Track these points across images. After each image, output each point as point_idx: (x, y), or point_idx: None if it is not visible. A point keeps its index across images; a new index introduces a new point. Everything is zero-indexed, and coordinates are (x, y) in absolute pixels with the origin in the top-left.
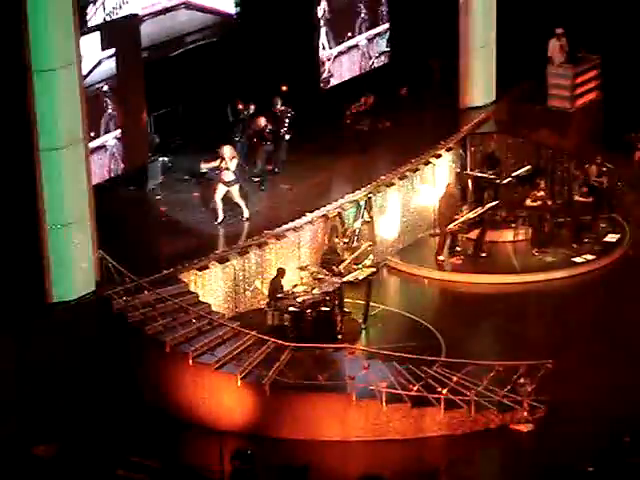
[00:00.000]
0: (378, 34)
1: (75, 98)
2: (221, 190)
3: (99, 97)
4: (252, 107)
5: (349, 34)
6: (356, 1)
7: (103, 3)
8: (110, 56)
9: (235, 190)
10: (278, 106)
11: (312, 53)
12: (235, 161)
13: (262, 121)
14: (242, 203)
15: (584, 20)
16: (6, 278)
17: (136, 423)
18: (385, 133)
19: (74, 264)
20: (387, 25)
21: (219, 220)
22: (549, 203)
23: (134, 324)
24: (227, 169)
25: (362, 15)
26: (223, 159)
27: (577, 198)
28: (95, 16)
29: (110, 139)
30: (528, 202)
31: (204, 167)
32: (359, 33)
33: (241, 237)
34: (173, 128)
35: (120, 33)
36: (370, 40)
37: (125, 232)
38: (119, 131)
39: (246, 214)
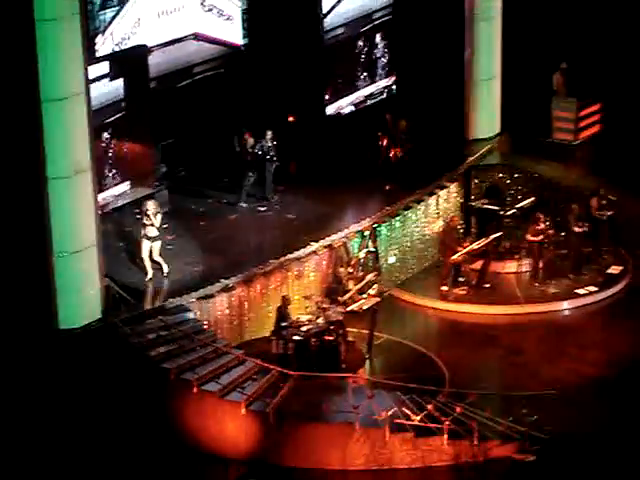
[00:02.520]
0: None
1: (83, 127)
2: (146, 246)
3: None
4: (250, 139)
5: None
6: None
7: (112, 33)
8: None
9: (157, 246)
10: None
11: (319, 83)
12: (159, 216)
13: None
14: (161, 260)
15: (588, 54)
16: (14, 305)
17: (142, 448)
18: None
19: (81, 292)
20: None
21: (149, 277)
22: (550, 234)
23: (139, 351)
24: (152, 225)
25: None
26: (147, 215)
27: (575, 229)
28: (104, 46)
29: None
30: (529, 236)
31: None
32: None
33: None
34: (180, 158)
35: (129, 63)
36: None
37: (131, 260)
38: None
39: (165, 270)
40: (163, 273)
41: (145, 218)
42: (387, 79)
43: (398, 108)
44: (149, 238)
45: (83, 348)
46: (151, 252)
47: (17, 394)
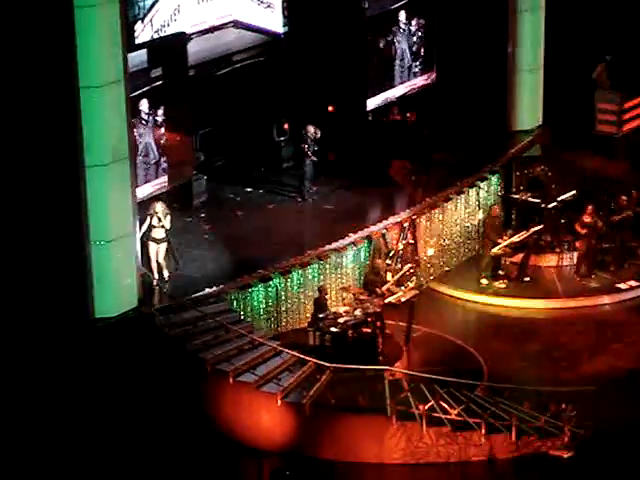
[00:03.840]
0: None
1: (121, 115)
2: (153, 248)
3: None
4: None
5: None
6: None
7: (151, 20)
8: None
9: (163, 248)
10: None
11: (360, 73)
12: (169, 217)
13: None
14: (164, 263)
15: (632, 47)
16: (50, 294)
17: (178, 439)
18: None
19: (117, 281)
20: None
21: (156, 279)
22: (599, 226)
23: (176, 342)
24: (162, 227)
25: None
26: (157, 217)
27: (615, 218)
28: (143, 33)
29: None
30: (577, 227)
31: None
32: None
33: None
34: (218, 146)
35: (167, 51)
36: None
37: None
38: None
39: (166, 274)
40: (162, 276)
41: (154, 220)
42: (427, 74)
43: (440, 99)
44: (156, 240)
45: (119, 337)
46: (157, 254)
47: (54, 383)
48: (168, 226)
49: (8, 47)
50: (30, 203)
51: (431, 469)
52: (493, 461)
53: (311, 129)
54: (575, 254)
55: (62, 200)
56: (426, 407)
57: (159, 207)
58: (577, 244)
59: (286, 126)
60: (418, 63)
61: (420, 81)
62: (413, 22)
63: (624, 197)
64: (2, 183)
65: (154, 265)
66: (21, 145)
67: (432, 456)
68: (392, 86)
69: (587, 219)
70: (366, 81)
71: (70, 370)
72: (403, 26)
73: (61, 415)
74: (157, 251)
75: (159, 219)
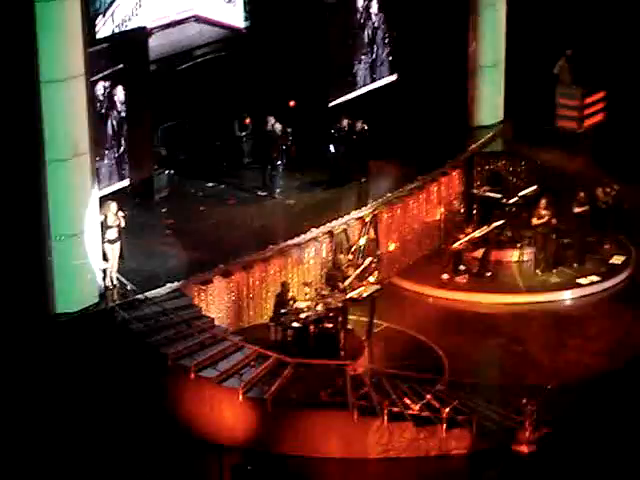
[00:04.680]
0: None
1: (82, 110)
2: (108, 248)
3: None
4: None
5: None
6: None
7: (112, 15)
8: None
9: (117, 248)
10: (271, 124)
11: (321, 67)
12: (121, 214)
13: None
14: (116, 263)
15: (593, 42)
16: (10, 289)
17: (139, 435)
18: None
19: (78, 276)
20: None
21: (114, 279)
22: (553, 223)
23: (137, 337)
24: (118, 226)
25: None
26: (108, 216)
27: (575, 209)
28: (104, 27)
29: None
30: (534, 221)
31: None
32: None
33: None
34: (179, 141)
35: (129, 45)
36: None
37: (130, 244)
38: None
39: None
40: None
41: (108, 220)
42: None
43: (402, 95)
44: (110, 241)
45: (80, 333)
46: (113, 253)
47: (13, 379)
48: (123, 224)
49: None
50: None
51: (393, 463)
52: (454, 456)
53: (277, 126)
54: (535, 249)
55: (23, 195)
56: (387, 402)
57: (113, 206)
58: (536, 239)
59: (247, 121)
60: (379, 58)
61: (382, 76)
62: (373, 16)
63: (582, 194)
64: None
65: (112, 263)
66: None
67: (394, 451)
68: (354, 82)
69: (542, 212)
70: (328, 75)
71: (31, 365)
72: (364, 19)
73: (20, 411)
74: (112, 250)
75: (113, 219)
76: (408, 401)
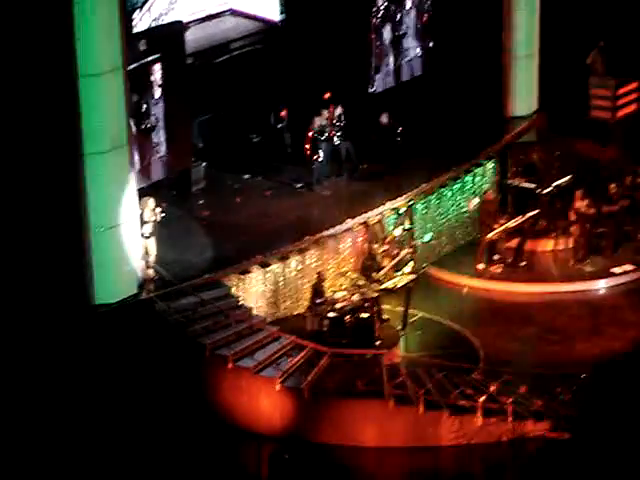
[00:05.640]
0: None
1: (120, 103)
2: (146, 243)
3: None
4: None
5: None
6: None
7: (149, 9)
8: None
9: (154, 242)
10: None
11: (360, 59)
12: (158, 209)
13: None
14: (153, 255)
15: (627, 33)
16: (50, 280)
17: (177, 424)
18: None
19: (117, 267)
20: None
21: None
22: (590, 213)
23: (175, 327)
24: (154, 221)
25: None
26: (146, 211)
27: (604, 209)
28: (141, 22)
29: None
30: (571, 213)
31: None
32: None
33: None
34: (216, 134)
35: (165, 39)
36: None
37: (168, 236)
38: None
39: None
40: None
41: (145, 214)
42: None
43: (437, 85)
44: (147, 235)
45: (119, 324)
46: (150, 247)
47: (55, 370)
48: (159, 219)
49: (8, 36)
50: (30, 191)
51: (430, 453)
52: (491, 444)
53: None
54: (570, 239)
55: (62, 187)
56: (423, 391)
57: (151, 202)
58: (572, 229)
59: (284, 113)
60: (415, 49)
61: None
62: (410, 7)
63: (613, 185)
64: (3, 171)
65: (150, 255)
66: (21, 133)
67: (430, 440)
68: (389, 74)
69: (577, 205)
70: (366, 67)
71: (70, 356)
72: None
73: (62, 402)
74: (150, 244)
75: (150, 214)
76: (470, 392)
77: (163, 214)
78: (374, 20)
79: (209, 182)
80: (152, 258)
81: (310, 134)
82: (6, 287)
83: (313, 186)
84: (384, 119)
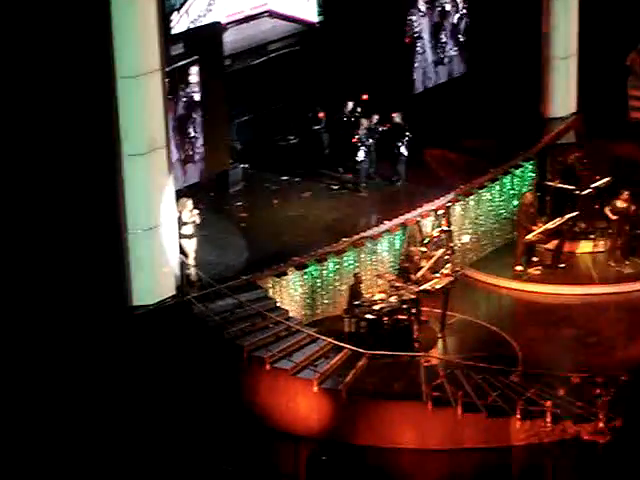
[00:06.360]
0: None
1: (158, 104)
2: (185, 244)
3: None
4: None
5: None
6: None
7: (187, 11)
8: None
9: (193, 243)
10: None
11: (400, 60)
12: (196, 211)
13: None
14: (192, 257)
15: None
16: (88, 282)
17: (215, 425)
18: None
19: (155, 268)
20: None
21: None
22: (632, 210)
23: (213, 329)
24: (193, 222)
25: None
26: (184, 212)
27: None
28: (179, 23)
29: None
30: (608, 213)
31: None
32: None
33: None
34: (254, 135)
35: (203, 41)
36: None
37: (206, 237)
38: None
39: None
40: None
41: (184, 216)
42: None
43: (474, 86)
44: (187, 236)
45: (156, 325)
46: (189, 248)
47: (93, 370)
48: (198, 221)
49: (47, 38)
50: (69, 192)
51: (468, 455)
52: (529, 447)
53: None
54: (609, 240)
55: (100, 189)
56: (461, 393)
57: (189, 204)
58: (610, 230)
59: (321, 115)
60: (452, 49)
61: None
62: (449, 9)
63: None
64: (42, 173)
65: (188, 257)
66: (60, 135)
67: (468, 442)
68: (427, 75)
69: (620, 204)
70: (404, 68)
71: (109, 357)
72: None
73: (101, 403)
74: (188, 245)
75: (189, 215)
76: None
77: (202, 216)
78: (413, 22)
79: (247, 184)
80: (190, 260)
81: (357, 137)
82: (45, 289)
83: (359, 187)
84: (397, 119)
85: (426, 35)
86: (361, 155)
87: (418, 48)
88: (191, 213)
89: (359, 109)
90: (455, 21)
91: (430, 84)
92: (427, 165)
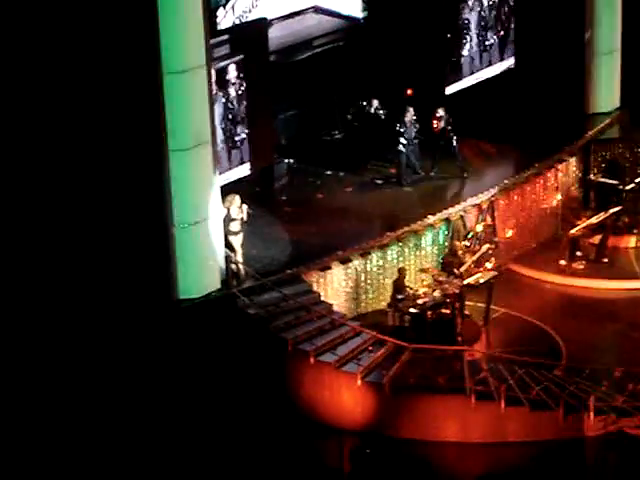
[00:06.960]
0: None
1: (204, 100)
2: (232, 239)
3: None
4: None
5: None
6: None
7: (233, 6)
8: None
9: (240, 239)
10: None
11: (441, 57)
12: (245, 207)
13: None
14: (240, 252)
15: None
16: (135, 276)
17: (259, 418)
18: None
19: (201, 262)
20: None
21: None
22: None
23: (258, 322)
24: (241, 219)
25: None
26: (232, 208)
27: None
28: (225, 19)
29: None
30: None
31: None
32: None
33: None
34: (299, 130)
35: (249, 36)
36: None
37: (251, 231)
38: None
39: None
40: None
41: (232, 212)
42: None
43: (519, 81)
44: (234, 232)
45: (203, 318)
46: (236, 244)
47: (140, 363)
48: (245, 218)
49: (93, 34)
50: (115, 187)
51: (510, 448)
52: (572, 440)
53: (409, 115)
54: None
55: (146, 184)
56: (505, 387)
57: (237, 199)
58: None
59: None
60: (496, 45)
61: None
62: (493, 5)
63: None
64: (89, 168)
65: (235, 252)
66: (106, 130)
67: (512, 436)
68: (470, 70)
69: None
70: (445, 64)
71: (155, 350)
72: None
73: (147, 396)
74: (236, 241)
75: (237, 211)
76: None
77: (251, 211)
78: (458, 18)
79: (291, 178)
80: (237, 254)
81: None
82: (94, 283)
83: (403, 181)
84: (440, 112)
85: (472, 29)
86: (401, 148)
87: (464, 42)
88: (239, 209)
89: (381, 109)
90: (503, 17)
91: (474, 80)
92: (468, 159)
